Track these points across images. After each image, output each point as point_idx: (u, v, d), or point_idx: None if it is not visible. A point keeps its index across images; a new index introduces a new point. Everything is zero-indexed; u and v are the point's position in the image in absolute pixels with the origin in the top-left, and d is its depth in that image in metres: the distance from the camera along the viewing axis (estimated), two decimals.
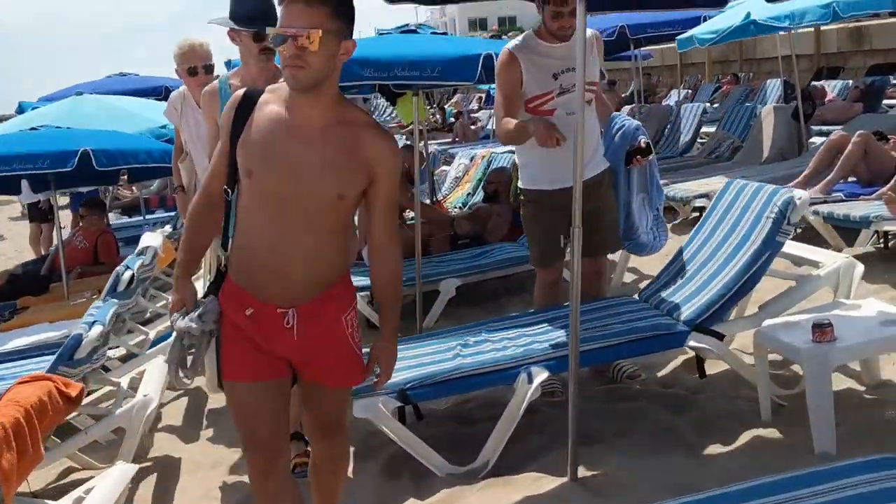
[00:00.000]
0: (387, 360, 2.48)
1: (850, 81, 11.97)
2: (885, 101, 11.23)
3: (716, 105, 14.20)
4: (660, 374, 4.15)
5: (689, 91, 16.43)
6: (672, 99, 16.07)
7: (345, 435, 2.65)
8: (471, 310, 5.77)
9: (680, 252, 4.05)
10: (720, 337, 3.51)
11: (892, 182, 5.62)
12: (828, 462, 2.82)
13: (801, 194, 3.50)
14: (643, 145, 3.90)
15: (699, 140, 10.12)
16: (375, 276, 2.44)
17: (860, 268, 3.59)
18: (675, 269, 3.96)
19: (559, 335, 3.60)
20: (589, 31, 3.90)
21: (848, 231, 5.65)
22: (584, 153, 3.79)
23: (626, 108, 11.68)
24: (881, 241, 5.45)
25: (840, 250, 5.72)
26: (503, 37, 22.22)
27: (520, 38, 3.88)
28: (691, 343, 3.47)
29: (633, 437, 3.48)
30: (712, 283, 3.59)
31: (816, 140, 8.33)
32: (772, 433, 3.29)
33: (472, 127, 18.25)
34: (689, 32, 8.47)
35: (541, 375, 3.34)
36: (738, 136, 9.16)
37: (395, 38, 5.41)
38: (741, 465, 3.11)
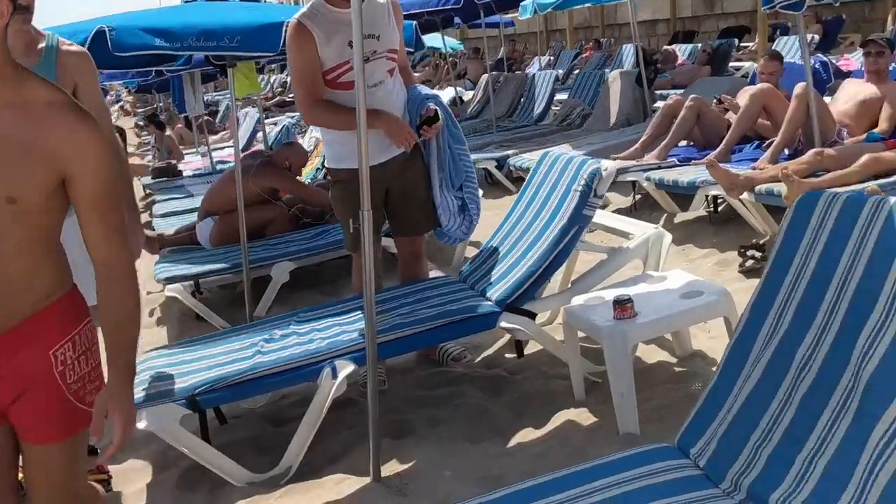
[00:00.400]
0: (120, 416, 1.89)
1: (700, 45, 12.22)
2: (732, 64, 11.55)
3: (576, 72, 14.31)
4: (485, 353, 4.02)
5: (552, 58, 16.48)
6: (535, 67, 16.12)
7: None
8: (309, 294, 5.53)
9: (500, 227, 3.92)
10: (532, 316, 3.40)
11: (719, 147, 5.68)
12: (629, 444, 2.77)
13: (607, 165, 3.40)
14: (431, 113, 3.60)
15: (554, 108, 10.12)
16: (100, 303, 1.91)
17: (668, 238, 3.53)
18: (493, 245, 3.83)
19: (381, 319, 3.40)
20: None
21: (683, 197, 5.69)
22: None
23: (485, 76, 11.57)
24: (710, 205, 5.50)
25: (674, 216, 5.77)
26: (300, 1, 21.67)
27: (307, 5, 3.60)
28: (502, 324, 3.33)
29: (446, 425, 3.34)
30: (524, 260, 3.47)
31: (661, 105, 8.43)
32: (582, 414, 3.20)
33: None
34: None
35: (346, 369, 3.14)
36: (588, 102, 9.19)
37: (197, 6, 5.01)
38: (548, 448, 3.01)
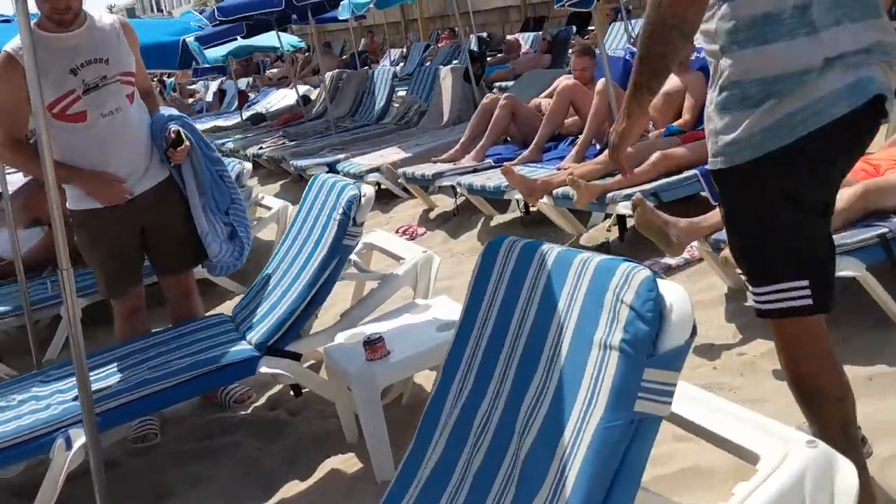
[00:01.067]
0: None
1: (540, 33, 12.26)
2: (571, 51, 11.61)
3: (427, 65, 14.15)
4: (271, 392, 3.78)
5: (404, 50, 16.28)
6: (387, 61, 15.90)
7: None
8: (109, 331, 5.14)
9: (272, 258, 3.68)
10: (297, 357, 3.18)
11: (529, 147, 5.60)
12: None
13: (366, 190, 3.20)
14: (172, 135, 3.34)
15: (394, 104, 9.92)
16: None
17: (437, 262, 3.37)
18: (262, 279, 3.58)
19: (119, 379, 3.11)
20: (111, 17, 3.40)
21: (500, 200, 5.58)
22: (133, 160, 3.34)
23: (329, 73, 11.26)
24: (522, 209, 5.41)
25: (491, 218, 5.66)
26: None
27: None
28: (263, 369, 3.09)
29: (210, 483, 3.09)
30: (286, 297, 3.23)
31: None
32: (349, 460, 3.01)
33: (190, 100, 17.19)
34: None
35: (81, 438, 2.84)
36: (423, 99, 9.02)
37: None
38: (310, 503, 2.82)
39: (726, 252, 3.08)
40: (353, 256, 3.71)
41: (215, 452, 3.30)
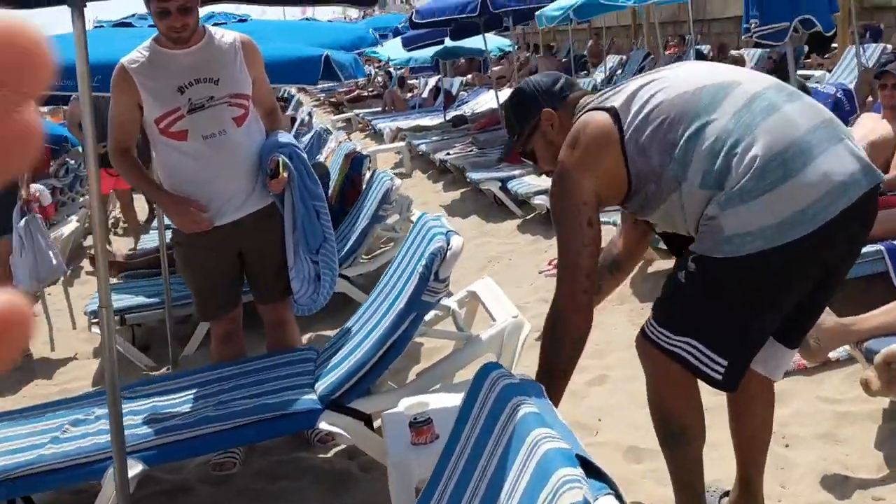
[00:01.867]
0: None
1: (768, 51, 11.22)
2: (801, 72, 10.51)
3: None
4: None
5: (624, 57, 15.60)
6: (608, 66, 15.31)
7: None
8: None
9: (371, 295, 3.46)
10: (361, 415, 2.93)
11: None
12: None
13: (455, 243, 2.88)
14: (272, 165, 3.21)
15: None
16: None
17: (526, 329, 2.98)
18: (354, 319, 3.38)
19: (184, 412, 3.03)
20: (233, 35, 3.30)
21: None
22: (233, 184, 3.25)
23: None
24: None
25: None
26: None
27: (140, 47, 3.24)
28: (322, 425, 2.88)
29: None
30: (359, 349, 3.00)
31: None
32: None
33: (409, 94, 17.49)
34: (546, 9, 7.76)
35: (134, 469, 2.78)
36: None
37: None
38: None
39: (887, 352, 2.51)
40: (453, 306, 3.43)
41: (275, 499, 3.15)
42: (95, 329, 4.90)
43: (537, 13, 7.59)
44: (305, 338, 4.79)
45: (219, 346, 3.52)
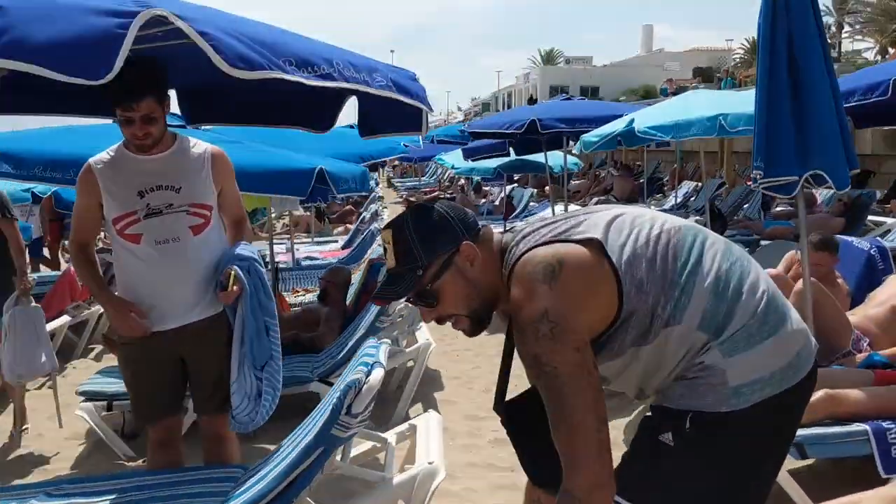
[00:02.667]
0: None
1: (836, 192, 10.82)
2: (873, 218, 10.10)
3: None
4: None
5: (699, 184, 15.37)
6: (681, 192, 15.11)
7: None
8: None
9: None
10: None
11: None
12: None
13: (374, 376, 2.76)
14: (224, 277, 3.19)
15: None
16: None
17: (440, 477, 2.80)
18: (285, 440, 3.25)
19: None
20: (205, 147, 3.33)
21: None
22: (180, 291, 3.23)
23: (594, 200, 10.90)
24: None
25: None
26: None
27: (109, 148, 3.31)
28: None
29: None
30: (268, 474, 2.87)
31: None
32: None
33: (483, 200, 17.62)
34: (588, 135, 7.74)
35: None
36: None
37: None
38: None
39: None
40: (390, 439, 3.28)
41: None
42: (79, 412, 4.93)
43: (581, 137, 7.58)
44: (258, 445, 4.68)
45: (153, 452, 3.44)
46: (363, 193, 7.99)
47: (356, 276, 6.80)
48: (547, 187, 18.55)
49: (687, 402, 1.86)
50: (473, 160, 11.66)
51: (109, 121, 3.83)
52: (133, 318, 3.18)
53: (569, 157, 12.36)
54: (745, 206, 12.02)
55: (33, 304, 4.86)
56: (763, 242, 8.84)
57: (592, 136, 7.30)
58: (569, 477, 1.75)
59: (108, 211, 3.21)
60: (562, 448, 1.77)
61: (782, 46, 3.93)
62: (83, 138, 4.27)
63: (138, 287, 3.23)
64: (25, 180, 4.34)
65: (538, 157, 10.72)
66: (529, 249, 1.88)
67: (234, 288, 3.19)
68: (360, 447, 3.42)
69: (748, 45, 54.04)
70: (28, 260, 10.56)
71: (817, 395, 3.46)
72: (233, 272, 3.21)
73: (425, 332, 5.77)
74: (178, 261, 3.21)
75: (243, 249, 3.37)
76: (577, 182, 20.01)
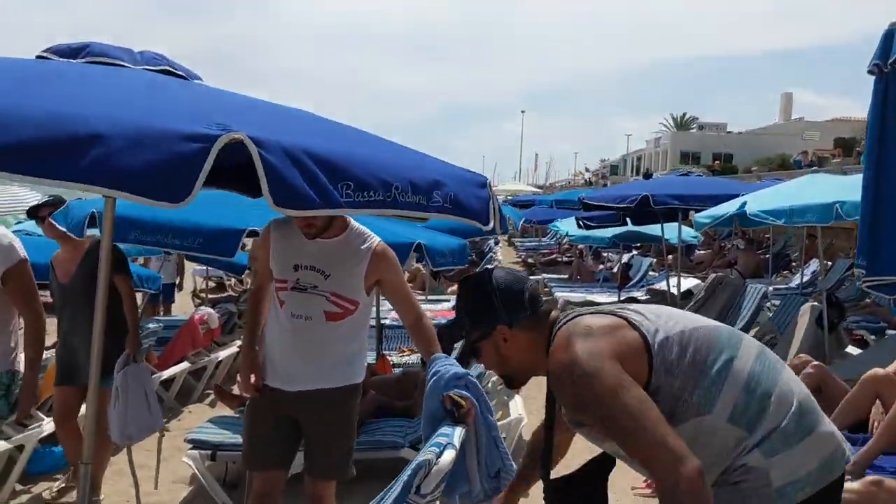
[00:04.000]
0: None
1: None
2: None
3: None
4: None
5: (829, 264, 14.70)
6: (809, 269, 14.49)
7: None
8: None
9: None
10: None
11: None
12: None
13: (445, 458, 2.79)
14: (448, 404, 2.98)
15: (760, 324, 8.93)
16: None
17: None
18: None
19: None
20: (371, 242, 3.49)
21: None
22: (297, 361, 3.46)
23: (712, 276, 10.64)
24: None
25: None
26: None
27: None
28: None
29: None
30: None
31: (853, 352, 7.06)
32: None
33: (601, 266, 17.46)
34: (700, 215, 7.60)
35: None
36: (782, 330, 7.99)
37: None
38: None
39: None
40: None
41: None
42: (186, 459, 5.21)
43: (693, 217, 7.49)
44: None
45: (252, 500, 3.62)
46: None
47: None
48: (670, 257, 18.32)
49: None
50: (588, 229, 11.65)
51: None
52: (247, 378, 3.49)
53: (688, 229, 12.15)
54: None
55: (144, 363, 4.80)
56: (890, 332, 8.37)
57: (704, 216, 7.22)
58: (653, 472, 1.83)
59: (273, 267, 3.51)
60: (635, 455, 1.87)
61: (893, 145, 3.83)
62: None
63: (273, 343, 3.51)
64: (149, 245, 4.68)
65: (655, 229, 10.60)
66: (571, 319, 2.10)
67: (468, 408, 3.00)
68: None
69: None
70: (160, 307, 11.22)
71: (863, 481, 3.41)
72: (452, 395, 3.01)
73: (519, 406, 5.78)
74: (305, 336, 3.43)
75: (453, 367, 3.13)
76: (700, 252, 19.58)
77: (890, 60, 3.89)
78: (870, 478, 3.67)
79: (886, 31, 3.97)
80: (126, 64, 2.51)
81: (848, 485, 3.67)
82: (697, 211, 7.92)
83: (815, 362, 5.22)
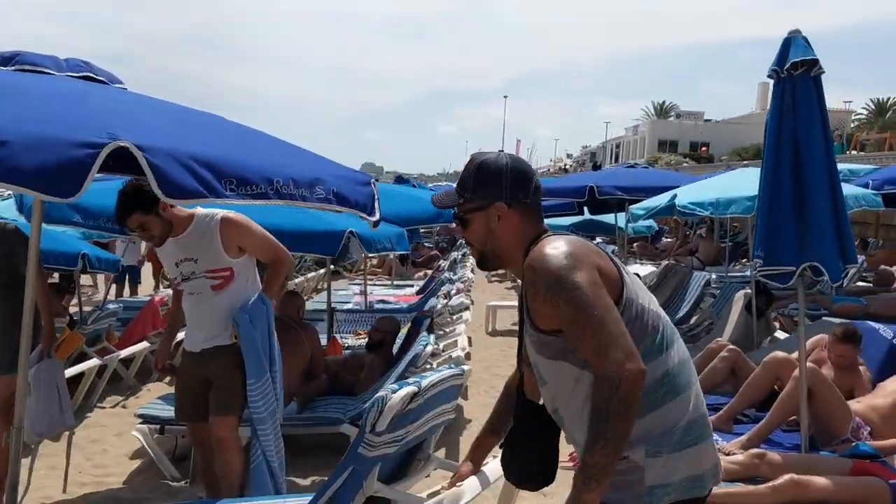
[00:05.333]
0: None
1: None
2: None
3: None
4: None
5: None
6: None
7: None
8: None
9: None
10: None
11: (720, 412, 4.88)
12: None
13: (397, 395, 2.87)
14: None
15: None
16: None
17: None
18: None
19: None
20: (212, 216, 4.07)
21: None
22: (203, 326, 4.16)
23: (664, 263, 10.98)
24: None
25: None
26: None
27: None
28: None
29: None
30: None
31: (782, 336, 7.41)
32: None
33: None
34: (635, 206, 7.93)
35: None
36: (717, 315, 8.34)
37: None
38: None
39: None
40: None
41: None
42: (135, 432, 5.47)
43: (629, 208, 7.82)
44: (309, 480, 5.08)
45: (195, 451, 4.66)
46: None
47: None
48: (636, 245, 18.68)
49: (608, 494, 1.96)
50: (547, 217, 11.91)
51: None
52: (161, 361, 4.45)
53: (644, 221, 12.46)
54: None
55: (56, 358, 4.70)
56: (829, 319, 8.72)
57: (639, 208, 7.55)
58: (599, 363, 1.88)
59: (166, 272, 4.27)
60: (590, 344, 1.91)
61: (787, 147, 4.15)
62: None
63: (186, 319, 4.30)
64: (91, 229, 4.95)
65: (611, 218, 10.92)
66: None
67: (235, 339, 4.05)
68: None
69: (872, 106, 52.39)
70: (125, 286, 11.37)
71: (783, 478, 3.63)
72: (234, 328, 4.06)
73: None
74: (200, 307, 4.18)
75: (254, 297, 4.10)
76: (667, 240, 19.97)
77: (786, 66, 4.21)
78: (754, 451, 3.99)
79: (785, 38, 4.29)
80: (51, 71, 2.80)
81: (733, 458, 4.00)
82: (640, 201, 8.24)
83: (731, 346, 5.56)
